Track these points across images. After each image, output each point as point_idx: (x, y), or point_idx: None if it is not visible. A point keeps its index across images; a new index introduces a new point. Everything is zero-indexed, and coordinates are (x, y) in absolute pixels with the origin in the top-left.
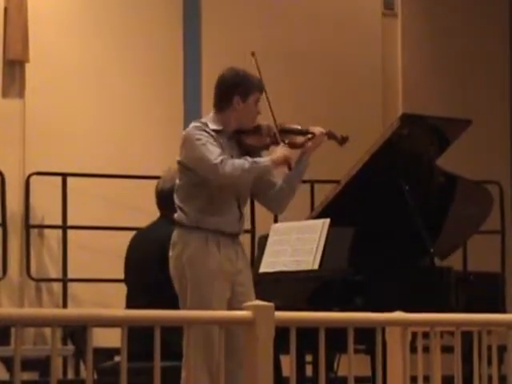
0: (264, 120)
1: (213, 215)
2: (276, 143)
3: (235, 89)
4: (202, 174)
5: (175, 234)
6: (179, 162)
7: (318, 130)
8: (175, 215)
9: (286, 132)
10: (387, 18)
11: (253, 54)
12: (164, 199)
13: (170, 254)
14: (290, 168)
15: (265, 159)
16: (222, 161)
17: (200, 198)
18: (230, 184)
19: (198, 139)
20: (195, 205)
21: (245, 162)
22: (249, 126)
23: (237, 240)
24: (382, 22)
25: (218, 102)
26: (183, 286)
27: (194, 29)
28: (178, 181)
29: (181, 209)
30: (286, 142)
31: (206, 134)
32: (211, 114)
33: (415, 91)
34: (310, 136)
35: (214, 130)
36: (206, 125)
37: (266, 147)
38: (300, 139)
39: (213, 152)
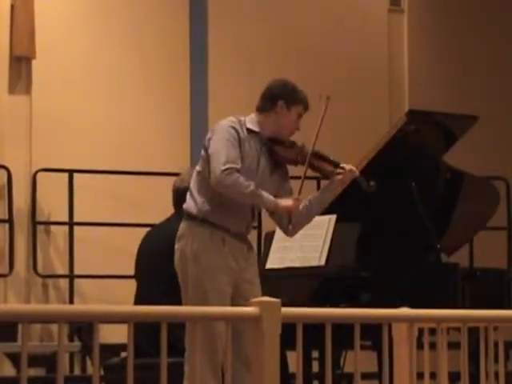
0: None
1: (221, 210)
2: (303, 163)
3: (282, 94)
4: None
5: (182, 226)
6: (203, 147)
7: (349, 167)
8: (184, 204)
9: (318, 157)
10: (394, 14)
11: (328, 97)
12: (179, 198)
13: (176, 246)
14: (289, 219)
15: (271, 198)
16: (228, 169)
17: (213, 189)
18: (224, 194)
19: (224, 136)
20: (207, 195)
21: (249, 186)
22: (284, 138)
23: (243, 239)
24: (388, 18)
25: (261, 103)
26: (185, 279)
27: (201, 28)
28: (198, 167)
29: (192, 195)
30: (315, 164)
31: (234, 133)
32: (252, 115)
33: (422, 87)
34: (339, 170)
35: (248, 130)
36: (243, 122)
37: (294, 163)
38: (328, 168)
39: (228, 155)
